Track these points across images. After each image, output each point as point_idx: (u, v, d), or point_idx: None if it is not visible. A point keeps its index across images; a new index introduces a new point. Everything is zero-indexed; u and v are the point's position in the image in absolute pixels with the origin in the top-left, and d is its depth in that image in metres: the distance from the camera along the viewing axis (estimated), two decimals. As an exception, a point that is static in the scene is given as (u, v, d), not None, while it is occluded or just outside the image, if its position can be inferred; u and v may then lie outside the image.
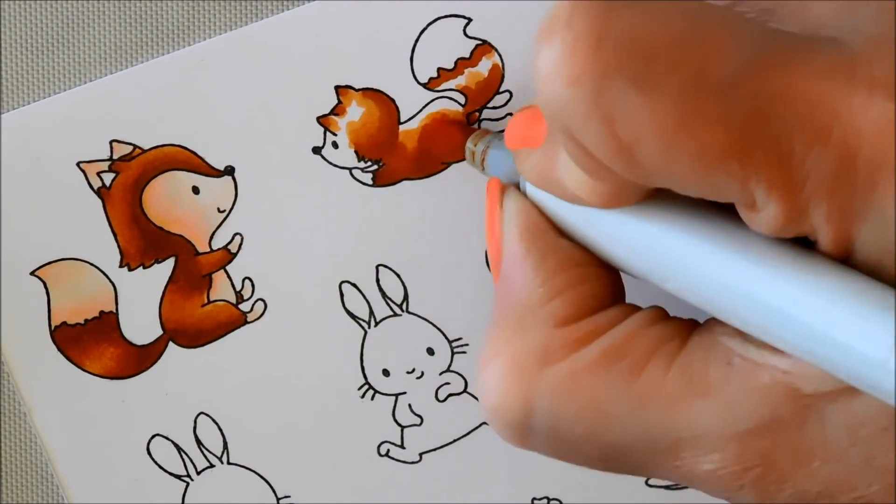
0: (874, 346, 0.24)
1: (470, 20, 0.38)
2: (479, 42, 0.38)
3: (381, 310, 0.39)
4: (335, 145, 0.38)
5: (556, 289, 0.30)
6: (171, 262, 0.39)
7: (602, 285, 0.30)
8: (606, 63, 0.24)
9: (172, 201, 0.38)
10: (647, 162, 0.25)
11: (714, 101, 0.24)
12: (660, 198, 0.28)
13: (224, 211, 0.38)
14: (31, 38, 0.38)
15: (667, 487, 0.40)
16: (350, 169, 0.38)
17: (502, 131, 0.35)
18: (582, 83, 0.24)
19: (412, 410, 0.40)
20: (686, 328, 0.29)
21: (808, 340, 0.25)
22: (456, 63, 0.38)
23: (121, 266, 0.39)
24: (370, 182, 0.38)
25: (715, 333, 0.28)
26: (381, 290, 0.39)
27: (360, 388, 0.39)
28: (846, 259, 0.25)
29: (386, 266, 0.39)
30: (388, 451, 0.40)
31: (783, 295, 0.25)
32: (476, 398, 0.40)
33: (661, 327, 0.29)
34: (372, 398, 0.39)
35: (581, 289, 0.30)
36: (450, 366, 0.39)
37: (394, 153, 0.38)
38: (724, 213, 0.27)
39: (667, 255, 0.28)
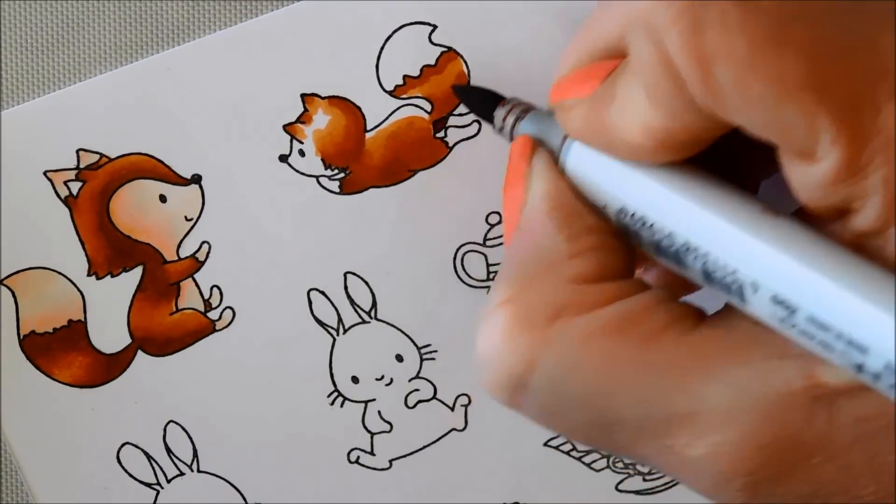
0: None
1: (435, 27, 0.38)
2: (445, 49, 0.38)
3: (350, 317, 0.39)
4: (302, 153, 0.38)
5: (579, 248, 0.29)
6: (138, 271, 0.39)
7: (620, 257, 0.30)
8: None
9: (140, 210, 0.38)
10: (723, 78, 0.25)
11: (805, 31, 0.24)
12: (697, 175, 0.28)
13: (191, 219, 0.38)
14: (31, 37, 0.38)
15: (637, 492, 0.40)
16: (317, 177, 0.38)
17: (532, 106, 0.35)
18: None
19: (382, 417, 0.40)
20: (700, 313, 0.29)
21: (861, 354, 0.25)
22: (422, 70, 0.38)
23: (89, 275, 0.39)
24: (337, 190, 0.38)
25: (735, 318, 0.27)
26: (349, 297, 0.39)
27: (329, 396, 0.39)
28: (877, 240, 0.25)
29: (354, 273, 0.39)
30: (358, 457, 0.40)
31: (842, 300, 0.25)
32: (446, 404, 0.40)
33: (678, 305, 0.28)
34: (341, 405, 0.39)
35: (602, 253, 0.29)
36: (419, 372, 0.39)
37: (360, 161, 0.38)
38: (757, 203, 0.27)
39: (689, 230, 0.28)
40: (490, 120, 0.36)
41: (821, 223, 0.26)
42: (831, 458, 0.26)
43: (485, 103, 0.36)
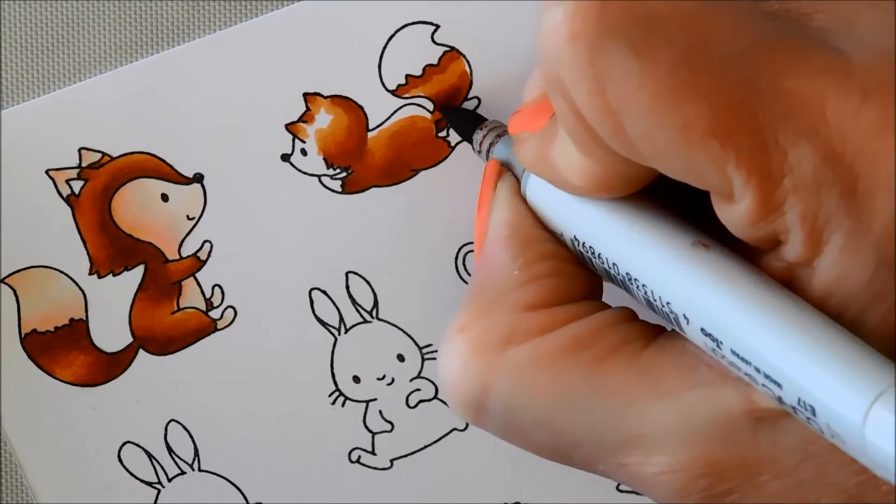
0: (849, 408, 0.23)
1: (438, 27, 0.38)
2: (447, 49, 0.38)
3: (352, 317, 0.39)
4: (304, 152, 0.38)
5: (531, 275, 0.30)
6: (140, 270, 0.39)
7: (577, 282, 0.30)
8: (608, 24, 0.25)
9: (141, 209, 0.38)
10: (632, 129, 0.25)
11: (706, 78, 0.24)
12: (646, 207, 0.28)
13: (193, 218, 0.38)
14: (31, 37, 0.38)
15: (637, 493, 0.40)
16: (319, 176, 0.38)
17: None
18: (581, 39, 0.25)
19: (383, 417, 0.40)
20: (654, 331, 0.29)
21: (778, 388, 0.25)
22: (424, 70, 0.38)
23: (90, 273, 0.39)
24: (339, 189, 0.38)
25: (683, 340, 0.28)
26: (350, 296, 0.39)
27: (330, 395, 0.39)
28: (806, 270, 0.25)
29: (356, 273, 0.39)
30: (360, 457, 0.40)
31: (756, 336, 0.25)
32: (447, 404, 0.39)
33: (629, 326, 0.29)
34: (343, 405, 0.39)
35: (556, 280, 0.30)
36: (420, 372, 0.39)
37: (363, 160, 0.38)
38: (691, 236, 0.28)
39: (627, 262, 0.28)
40: (470, 141, 0.36)
41: (759, 252, 0.27)
42: (780, 475, 0.26)
43: (466, 124, 0.37)
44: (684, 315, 0.27)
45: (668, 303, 0.27)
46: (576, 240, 0.30)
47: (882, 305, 0.25)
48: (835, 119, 0.24)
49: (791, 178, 0.24)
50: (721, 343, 0.26)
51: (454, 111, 0.38)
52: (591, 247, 0.30)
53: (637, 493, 0.40)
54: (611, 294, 0.31)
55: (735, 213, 0.25)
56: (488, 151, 0.35)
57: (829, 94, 0.24)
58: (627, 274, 0.29)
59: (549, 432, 0.29)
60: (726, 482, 0.27)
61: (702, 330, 0.26)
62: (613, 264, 0.29)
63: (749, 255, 0.27)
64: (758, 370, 0.25)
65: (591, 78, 0.25)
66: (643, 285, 0.28)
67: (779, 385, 0.25)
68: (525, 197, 0.32)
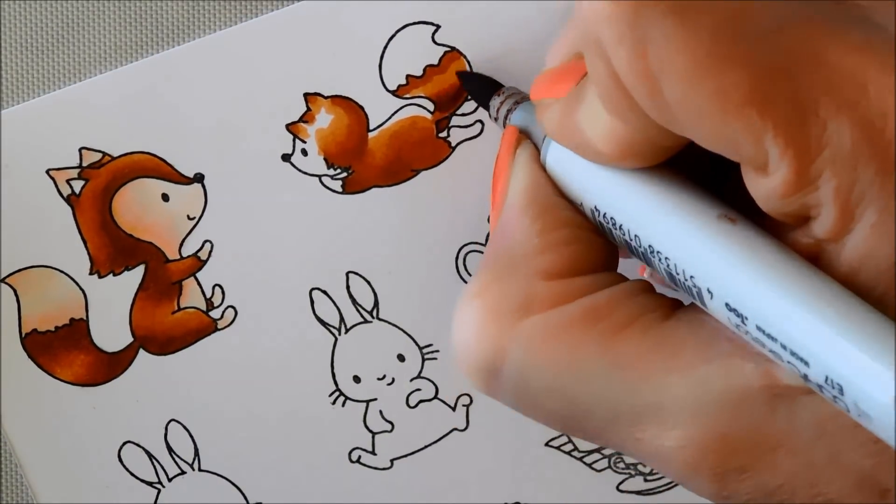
0: (878, 388, 0.23)
1: (438, 27, 0.38)
2: (448, 49, 0.38)
3: (352, 316, 0.39)
4: (304, 153, 0.38)
5: (550, 242, 0.30)
6: (141, 270, 0.39)
7: (595, 251, 0.30)
8: None
9: (142, 208, 0.38)
10: (670, 94, 0.25)
11: (746, 47, 0.24)
12: (671, 178, 0.28)
13: (194, 218, 0.38)
14: (31, 37, 0.38)
15: (638, 493, 0.40)
16: (320, 176, 0.38)
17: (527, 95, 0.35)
18: (624, 1, 0.25)
19: (383, 417, 0.40)
20: (671, 305, 0.29)
21: (804, 365, 0.25)
22: (424, 70, 0.38)
23: (91, 273, 0.39)
24: (340, 189, 0.39)
25: (701, 313, 0.28)
26: (351, 296, 0.39)
27: (331, 395, 0.39)
28: (834, 247, 0.25)
29: (356, 273, 0.39)
30: (360, 457, 0.40)
31: (783, 313, 0.25)
32: (447, 404, 0.40)
33: (646, 298, 0.29)
34: (343, 405, 0.40)
35: (574, 248, 0.30)
36: (420, 372, 0.39)
37: (363, 160, 0.38)
38: (717, 209, 0.27)
39: (650, 234, 0.28)
40: (487, 107, 0.36)
41: (786, 228, 0.26)
42: (794, 453, 0.26)
43: (483, 90, 0.37)
44: (708, 289, 0.27)
45: (691, 276, 0.27)
46: (596, 210, 0.30)
47: None
48: (875, 94, 0.24)
49: (829, 152, 0.24)
50: (746, 319, 0.26)
51: (471, 77, 0.38)
52: (612, 217, 0.29)
53: (637, 493, 0.40)
54: (625, 271, 0.31)
55: (767, 186, 0.25)
56: (505, 118, 0.35)
57: (871, 68, 0.24)
58: (650, 246, 0.28)
59: (563, 402, 0.28)
60: (740, 459, 0.26)
61: (726, 305, 0.26)
62: (635, 236, 0.29)
63: (774, 231, 0.26)
64: (784, 347, 0.25)
65: (631, 39, 0.25)
66: (666, 258, 0.28)
67: (805, 363, 0.24)
68: (545, 165, 0.32)
